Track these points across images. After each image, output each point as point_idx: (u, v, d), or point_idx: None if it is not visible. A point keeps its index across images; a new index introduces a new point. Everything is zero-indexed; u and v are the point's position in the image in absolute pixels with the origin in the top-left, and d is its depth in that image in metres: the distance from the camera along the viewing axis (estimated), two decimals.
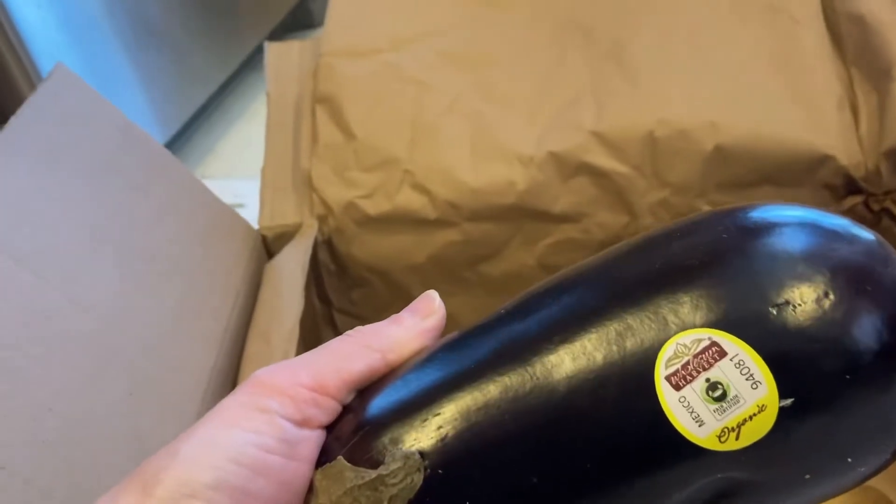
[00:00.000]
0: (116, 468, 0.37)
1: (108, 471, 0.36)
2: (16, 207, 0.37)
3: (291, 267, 0.49)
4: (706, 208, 0.50)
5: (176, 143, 1.36)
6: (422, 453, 0.22)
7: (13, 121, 0.39)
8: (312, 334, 0.56)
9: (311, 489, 0.23)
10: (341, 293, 0.55)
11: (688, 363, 0.20)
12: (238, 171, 1.31)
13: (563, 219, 0.51)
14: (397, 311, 0.55)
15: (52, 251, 0.38)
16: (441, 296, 0.55)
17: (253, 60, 1.53)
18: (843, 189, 0.49)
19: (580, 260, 0.53)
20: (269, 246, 0.54)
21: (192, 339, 0.44)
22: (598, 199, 0.51)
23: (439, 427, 0.22)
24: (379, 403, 0.24)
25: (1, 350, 0.33)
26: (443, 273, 0.53)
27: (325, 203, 0.52)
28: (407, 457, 0.22)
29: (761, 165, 0.48)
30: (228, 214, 0.52)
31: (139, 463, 0.37)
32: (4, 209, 0.37)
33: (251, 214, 0.54)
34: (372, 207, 0.51)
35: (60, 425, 0.34)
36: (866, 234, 0.22)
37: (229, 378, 0.44)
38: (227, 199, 0.53)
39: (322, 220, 0.52)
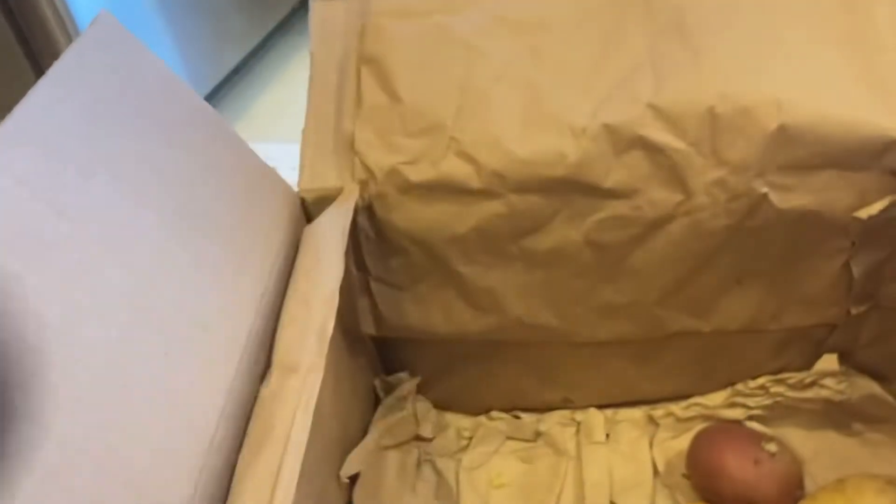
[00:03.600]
0: (150, 429, 0.36)
1: (142, 431, 0.35)
2: (57, 157, 0.36)
3: (331, 231, 0.47)
4: (764, 190, 0.48)
5: (210, 103, 1.35)
6: None
7: (56, 66, 0.38)
8: (348, 301, 0.55)
9: None
10: (379, 261, 0.54)
11: None
12: (270, 135, 1.30)
13: (613, 194, 0.49)
14: (435, 283, 0.54)
15: (92, 204, 0.37)
16: (480, 269, 0.54)
17: (287, 23, 1.51)
18: None
19: (628, 238, 0.52)
20: (307, 209, 0.52)
21: (229, 300, 0.43)
22: (652, 176, 0.49)
23: None
24: None
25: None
26: (484, 245, 0.52)
27: (367, 168, 0.50)
28: None
29: (826, 148, 0.46)
30: (269, 175, 0.51)
31: (172, 424, 0.36)
32: (46, 158, 0.35)
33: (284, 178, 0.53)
34: (415, 174, 0.50)
35: (92, 383, 0.33)
36: None
37: (266, 341, 0.43)
38: (282, 169, 0.52)
39: (363, 185, 0.51)
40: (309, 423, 0.37)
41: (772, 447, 0.54)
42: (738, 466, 0.54)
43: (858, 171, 0.47)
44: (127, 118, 0.40)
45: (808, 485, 0.56)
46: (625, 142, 0.48)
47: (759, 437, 0.55)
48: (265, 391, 0.40)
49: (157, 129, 0.42)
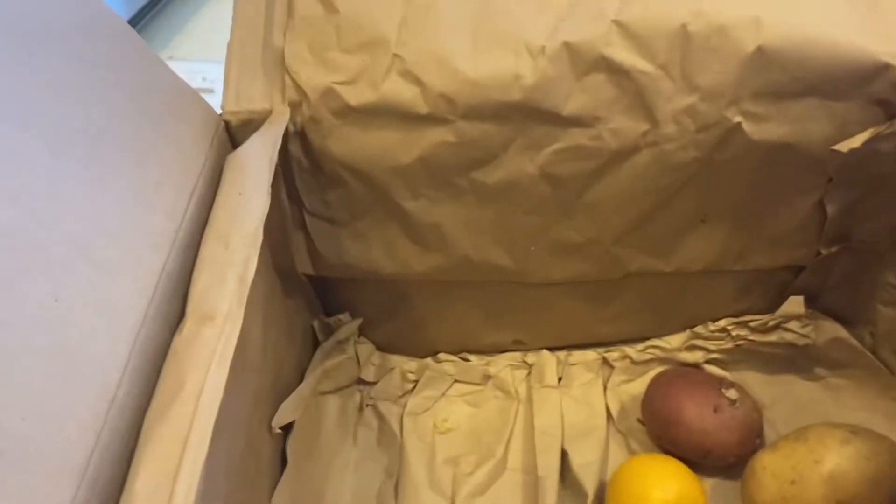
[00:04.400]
0: (38, 387, 0.31)
1: (27, 390, 0.30)
2: None
3: (257, 160, 0.42)
4: (737, 120, 0.44)
5: (142, 20, 1.25)
6: None
7: None
8: (281, 237, 0.50)
9: None
10: (314, 193, 0.49)
11: None
12: (210, 54, 1.21)
13: (572, 122, 0.44)
14: (376, 218, 0.49)
15: None
16: (426, 203, 0.49)
17: None
18: None
19: (588, 171, 0.47)
20: (233, 134, 0.47)
21: (137, 237, 0.37)
22: (616, 101, 0.44)
23: None
24: None
25: None
26: (431, 177, 0.47)
27: (298, 87, 0.45)
28: None
29: (807, 73, 0.42)
30: (187, 94, 0.45)
31: (65, 381, 0.31)
32: None
33: (220, 101, 0.47)
34: (353, 96, 0.44)
35: None
36: None
37: (181, 286, 0.38)
38: (196, 83, 0.46)
39: (295, 107, 0.45)
40: (224, 379, 0.33)
41: (732, 394, 0.51)
42: (696, 415, 0.51)
43: (841, 100, 0.43)
44: (6, 22, 0.34)
45: (768, 432, 0.54)
46: (587, 63, 0.43)
47: (719, 383, 0.52)
48: (177, 342, 0.35)
49: (47, 37, 0.36)
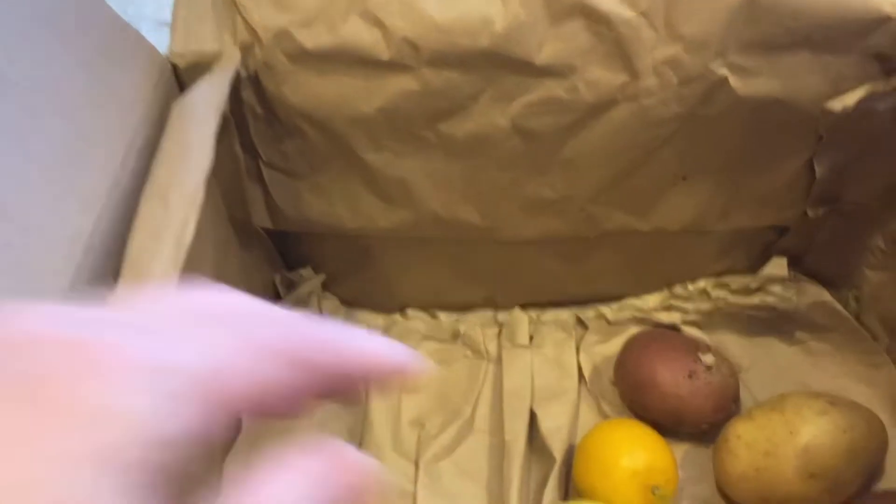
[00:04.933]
0: None
1: None
2: None
3: (203, 109, 0.38)
4: (723, 73, 0.40)
5: None
6: None
7: None
8: (234, 190, 0.47)
9: None
10: (270, 143, 0.46)
11: None
12: None
13: (546, 72, 0.41)
14: (338, 171, 0.46)
15: None
16: (390, 156, 0.46)
17: None
18: None
19: (563, 125, 0.44)
20: (181, 78, 0.43)
21: (65, 194, 0.34)
22: (593, 51, 0.40)
23: None
24: None
25: None
26: (394, 129, 0.44)
27: (250, 28, 0.41)
28: None
29: (801, 25, 0.38)
30: (128, 34, 0.41)
31: None
32: None
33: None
34: (310, 39, 0.41)
35: None
36: None
37: (114, 249, 0.35)
38: (147, 27, 0.42)
39: (247, 50, 0.42)
40: None
41: (708, 359, 0.49)
42: (669, 380, 0.49)
43: (836, 54, 0.39)
44: None
45: (745, 395, 0.52)
46: (563, 8, 0.39)
47: (696, 347, 0.50)
48: None
49: None
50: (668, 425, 0.50)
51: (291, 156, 0.46)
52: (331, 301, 0.56)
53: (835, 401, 0.45)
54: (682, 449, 0.51)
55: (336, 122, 0.43)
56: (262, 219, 0.49)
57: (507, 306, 0.57)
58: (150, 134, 0.40)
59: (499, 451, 0.51)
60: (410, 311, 0.58)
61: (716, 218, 0.49)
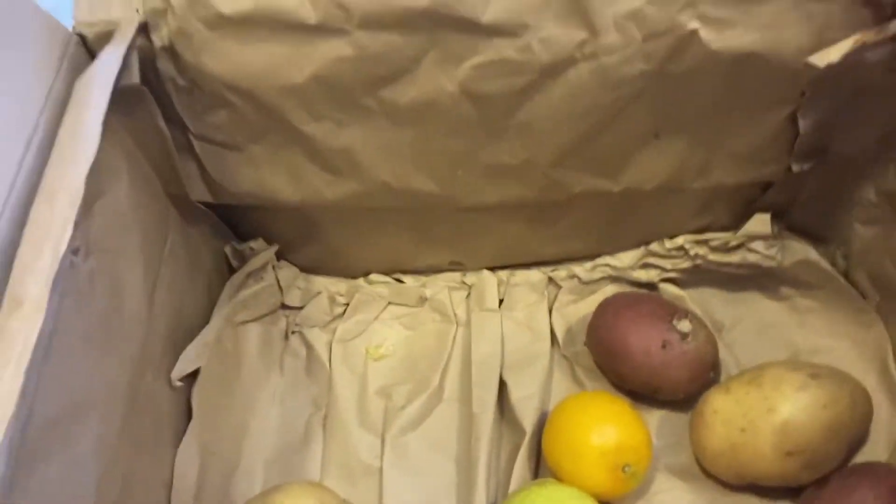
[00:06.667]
0: None
1: None
2: None
3: (94, 89, 0.34)
4: (693, 26, 0.36)
5: None
6: None
7: None
8: (166, 166, 0.43)
9: None
10: (198, 116, 0.41)
11: None
12: None
13: (495, 31, 0.37)
14: (275, 143, 0.41)
15: None
16: (330, 126, 0.42)
17: None
18: (891, 7, 0.34)
19: (516, 88, 0.40)
20: (91, 51, 0.39)
21: None
22: (546, 6, 0.36)
23: None
24: None
25: None
26: (332, 98, 0.40)
27: None
28: None
29: None
30: (21, 6, 0.36)
31: None
32: None
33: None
34: (226, 3, 0.36)
35: None
36: None
37: (4, 260, 0.32)
38: None
39: (159, 16, 0.37)
40: (18, 388, 0.27)
41: (684, 325, 0.46)
42: (642, 350, 0.46)
43: (820, 1, 0.35)
44: None
45: (726, 356, 0.49)
46: None
47: (671, 312, 0.47)
48: None
49: None
50: (643, 393, 0.48)
51: (223, 127, 0.42)
52: (289, 269, 0.53)
53: (817, 372, 0.43)
54: (658, 415, 0.49)
55: (266, 93, 0.39)
56: (199, 193, 0.46)
57: (475, 268, 0.54)
58: (56, 120, 0.36)
59: (468, 422, 0.49)
60: (374, 276, 0.55)
61: (693, 175, 0.45)
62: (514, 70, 0.38)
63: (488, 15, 0.36)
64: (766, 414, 0.42)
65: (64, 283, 0.33)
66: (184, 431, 0.45)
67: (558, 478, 0.45)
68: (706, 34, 0.36)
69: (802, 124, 0.40)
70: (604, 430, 0.44)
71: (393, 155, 0.43)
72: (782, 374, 0.43)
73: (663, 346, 0.46)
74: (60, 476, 0.33)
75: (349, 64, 0.38)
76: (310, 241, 0.51)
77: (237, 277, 0.50)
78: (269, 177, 0.44)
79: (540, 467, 0.48)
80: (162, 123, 0.41)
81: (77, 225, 0.34)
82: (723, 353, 0.49)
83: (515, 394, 0.49)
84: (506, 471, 0.47)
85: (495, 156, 0.42)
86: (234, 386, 0.50)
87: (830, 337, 0.49)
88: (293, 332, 0.54)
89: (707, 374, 0.47)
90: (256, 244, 0.51)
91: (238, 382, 0.51)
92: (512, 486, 0.46)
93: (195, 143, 0.43)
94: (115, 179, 0.39)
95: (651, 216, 0.49)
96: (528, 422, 0.48)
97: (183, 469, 0.44)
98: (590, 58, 0.37)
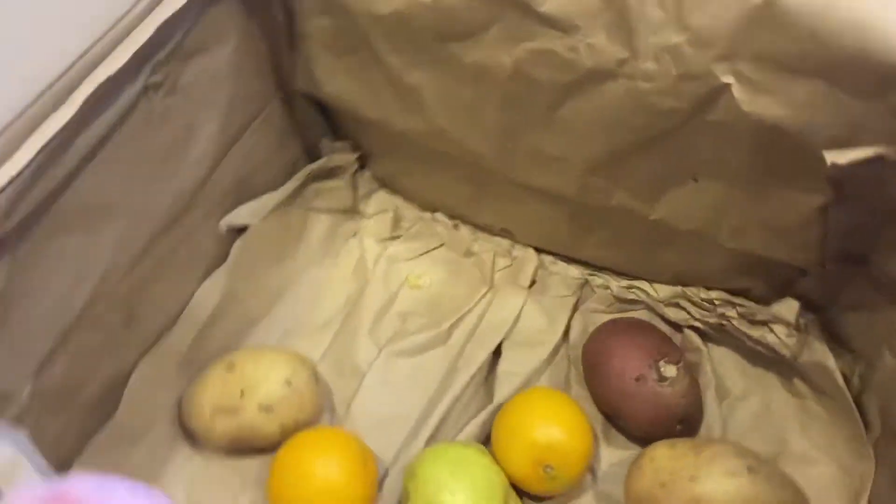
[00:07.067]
0: None
1: None
2: None
3: None
4: (727, 80, 0.35)
5: None
6: None
7: None
8: (275, 52, 0.49)
9: None
10: (306, 16, 0.47)
11: None
12: None
13: (548, 22, 0.38)
14: (364, 60, 0.46)
15: None
16: (405, 60, 0.46)
17: None
18: None
19: (561, 83, 0.41)
20: None
21: None
22: (598, 14, 0.37)
23: None
24: None
25: None
26: (408, 36, 0.44)
27: None
28: None
29: (822, 51, 0.32)
30: None
31: None
32: None
33: None
34: None
35: None
36: None
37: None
38: None
39: None
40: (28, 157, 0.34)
41: (668, 370, 0.46)
42: (618, 373, 0.47)
43: (856, 97, 0.33)
44: None
45: (715, 421, 0.48)
46: None
47: (665, 353, 0.47)
48: None
49: None
50: (608, 416, 0.48)
51: (326, 32, 0.47)
52: (368, 179, 0.59)
53: (758, 468, 0.41)
54: (620, 445, 0.49)
55: (357, 14, 0.44)
56: (303, 84, 0.52)
57: (523, 243, 0.56)
58: None
59: (452, 371, 0.52)
60: (438, 216, 0.59)
61: (728, 233, 0.44)
62: (561, 65, 0.39)
63: (546, 6, 0.38)
64: (688, 481, 0.42)
65: (136, 110, 0.41)
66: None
67: (493, 452, 0.48)
68: (739, 92, 0.35)
69: (831, 220, 0.38)
70: (544, 427, 0.46)
71: (452, 105, 0.46)
72: (723, 453, 0.42)
73: (637, 378, 0.46)
74: (76, 253, 0.41)
75: (427, 10, 0.41)
76: (390, 160, 0.56)
77: (318, 167, 0.56)
78: (357, 87, 0.49)
79: (489, 440, 0.50)
80: (277, 11, 0.47)
81: (160, 66, 0.42)
82: (714, 418, 0.48)
83: (503, 366, 0.52)
84: (457, 425, 0.50)
85: (538, 141, 0.44)
86: (284, 255, 0.57)
87: (821, 451, 0.46)
88: (354, 235, 0.59)
89: (672, 423, 0.46)
90: (340, 144, 0.57)
91: (290, 256, 0.57)
92: (457, 437, 0.49)
93: (302, 39, 0.49)
94: (220, 44, 0.46)
95: (687, 257, 0.48)
96: (501, 394, 0.50)
97: (202, 298, 0.51)
98: (628, 77, 0.38)
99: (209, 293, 0.52)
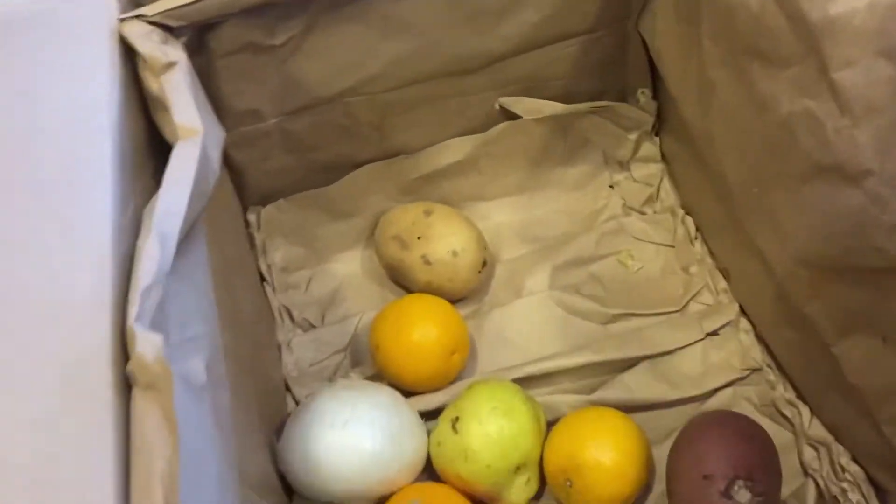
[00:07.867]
0: None
1: None
2: None
3: None
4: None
5: None
6: None
7: None
8: None
9: None
10: None
11: None
12: None
13: (834, 91, 0.34)
14: None
15: None
16: (714, 60, 0.43)
17: None
18: None
19: (812, 160, 0.37)
20: None
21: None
22: (877, 112, 0.32)
23: None
24: None
25: None
26: (729, 34, 0.41)
27: None
28: None
29: None
30: None
31: None
32: None
33: None
34: None
35: None
36: None
37: None
38: None
39: None
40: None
41: (742, 496, 0.41)
42: (686, 485, 0.43)
43: None
44: None
45: None
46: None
47: (750, 476, 0.42)
48: None
49: None
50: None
51: None
52: (650, 146, 0.58)
53: None
54: None
55: None
56: (643, 25, 0.51)
57: (734, 294, 0.52)
58: None
59: (585, 348, 0.52)
60: (688, 220, 0.56)
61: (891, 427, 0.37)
62: (819, 142, 0.35)
63: (839, 74, 0.33)
64: None
65: None
66: None
67: (550, 432, 0.48)
68: None
69: None
70: (595, 449, 0.45)
71: (729, 118, 0.43)
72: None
73: (705, 477, 0.42)
74: (359, 44, 0.47)
75: (751, 19, 0.39)
76: (676, 142, 0.55)
77: (616, 107, 0.56)
78: (674, 56, 0.48)
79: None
80: None
81: None
82: None
83: (625, 377, 0.50)
84: (548, 388, 0.51)
85: (776, 203, 0.40)
86: (540, 161, 0.58)
87: None
88: (610, 186, 0.59)
89: None
90: (653, 105, 0.56)
91: (545, 168, 0.58)
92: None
93: None
94: None
95: (847, 416, 0.42)
96: (603, 396, 0.49)
97: (446, 148, 0.56)
98: (865, 193, 0.33)
99: (456, 150, 0.56)
